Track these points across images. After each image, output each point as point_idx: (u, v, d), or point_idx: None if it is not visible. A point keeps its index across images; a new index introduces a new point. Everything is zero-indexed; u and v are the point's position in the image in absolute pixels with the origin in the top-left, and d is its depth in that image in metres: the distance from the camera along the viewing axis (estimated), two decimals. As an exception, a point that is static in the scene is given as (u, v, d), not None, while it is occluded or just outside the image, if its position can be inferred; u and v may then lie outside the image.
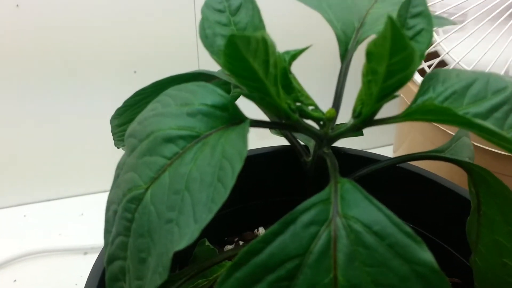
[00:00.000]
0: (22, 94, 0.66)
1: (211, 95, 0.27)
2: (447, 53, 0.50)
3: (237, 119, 0.27)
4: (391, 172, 0.43)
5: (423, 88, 0.27)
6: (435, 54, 0.56)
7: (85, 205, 0.74)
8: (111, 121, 0.37)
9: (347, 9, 0.32)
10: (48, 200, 0.74)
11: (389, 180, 0.43)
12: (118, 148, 0.38)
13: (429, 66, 0.55)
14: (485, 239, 0.33)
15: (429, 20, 0.26)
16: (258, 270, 0.21)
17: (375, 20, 0.32)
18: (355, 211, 0.23)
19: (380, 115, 0.28)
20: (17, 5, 0.60)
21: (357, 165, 0.38)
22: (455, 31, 0.51)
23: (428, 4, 0.54)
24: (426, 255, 0.21)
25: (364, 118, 0.27)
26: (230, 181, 0.23)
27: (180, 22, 0.67)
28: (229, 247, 0.51)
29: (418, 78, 0.55)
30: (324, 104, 0.32)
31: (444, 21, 0.30)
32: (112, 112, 0.37)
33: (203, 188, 0.24)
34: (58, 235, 0.67)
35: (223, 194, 0.23)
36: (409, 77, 0.24)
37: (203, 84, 0.27)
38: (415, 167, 0.43)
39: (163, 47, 0.68)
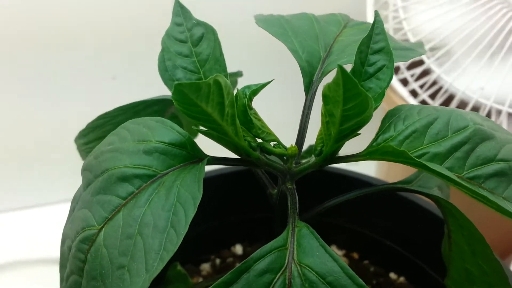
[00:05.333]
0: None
1: (169, 132, 0.26)
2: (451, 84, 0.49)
3: (196, 157, 0.26)
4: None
5: (384, 125, 0.26)
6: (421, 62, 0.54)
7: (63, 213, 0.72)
8: (76, 140, 0.36)
9: (314, 37, 0.31)
10: (24, 208, 0.73)
11: (369, 199, 0.43)
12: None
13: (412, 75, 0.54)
14: (456, 265, 0.33)
15: (390, 57, 0.26)
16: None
17: (343, 48, 0.32)
18: (311, 259, 0.23)
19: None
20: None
21: (341, 186, 0.36)
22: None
23: (400, 32, 0.53)
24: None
25: (325, 157, 0.26)
26: (183, 229, 0.23)
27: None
28: (205, 265, 0.50)
29: (399, 88, 0.54)
30: (291, 136, 0.32)
31: (410, 53, 0.30)
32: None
33: (156, 234, 0.23)
34: (34, 245, 0.66)
35: (175, 242, 0.22)
36: (366, 121, 0.23)
37: (162, 120, 0.27)
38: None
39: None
